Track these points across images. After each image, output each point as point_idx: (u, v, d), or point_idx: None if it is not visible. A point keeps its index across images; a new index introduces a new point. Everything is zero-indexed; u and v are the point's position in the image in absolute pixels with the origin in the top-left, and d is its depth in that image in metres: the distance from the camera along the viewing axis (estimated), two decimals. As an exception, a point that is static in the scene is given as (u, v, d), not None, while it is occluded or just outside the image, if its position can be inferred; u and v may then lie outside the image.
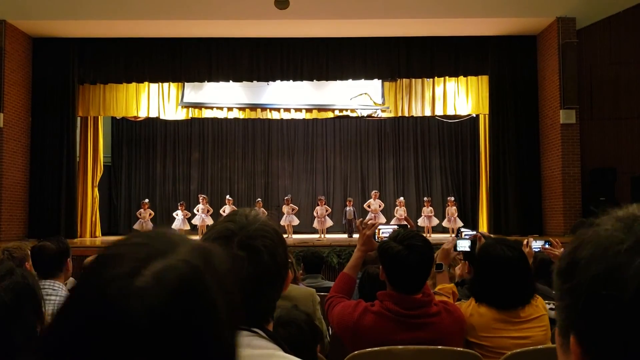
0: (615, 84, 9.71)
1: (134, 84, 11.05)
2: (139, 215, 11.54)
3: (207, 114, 11.82)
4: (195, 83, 11.26)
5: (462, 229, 4.77)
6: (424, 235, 2.75)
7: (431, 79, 11.21)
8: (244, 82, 10.99)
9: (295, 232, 12.02)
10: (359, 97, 11.52)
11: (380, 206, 11.75)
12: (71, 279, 4.16)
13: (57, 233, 6.47)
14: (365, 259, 2.57)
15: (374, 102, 11.56)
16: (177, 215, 11.54)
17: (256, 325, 1.00)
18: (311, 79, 10.90)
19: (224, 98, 11.65)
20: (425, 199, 12.28)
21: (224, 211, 11.43)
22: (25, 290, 1.13)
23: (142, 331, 0.48)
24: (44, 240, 2.87)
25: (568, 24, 9.56)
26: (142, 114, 11.44)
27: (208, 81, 10.96)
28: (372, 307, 2.05)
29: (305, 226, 12.74)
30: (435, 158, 14.48)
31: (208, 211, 11.68)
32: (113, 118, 12.98)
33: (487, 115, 11.03)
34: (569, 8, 9.53)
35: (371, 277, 2.79)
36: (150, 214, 11.57)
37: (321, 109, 11.77)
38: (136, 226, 11.49)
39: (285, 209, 11.84)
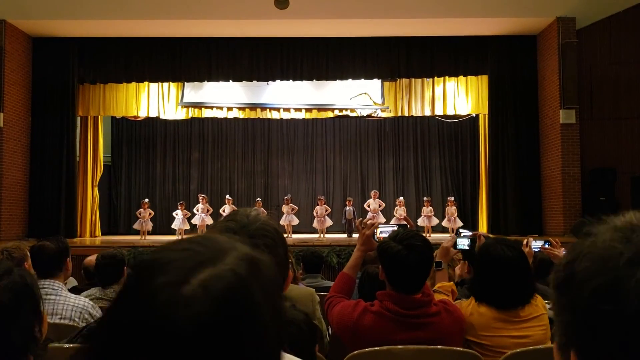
0: (615, 84, 9.71)
1: (133, 83, 11.06)
2: (138, 215, 11.53)
3: (207, 113, 11.82)
4: (195, 83, 11.27)
5: (461, 230, 4.76)
6: (424, 235, 2.74)
7: (431, 79, 11.21)
8: (243, 81, 11.01)
9: (294, 232, 12.03)
10: (358, 96, 11.52)
11: (379, 206, 11.75)
12: (71, 278, 4.17)
13: (57, 233, 6.49)
14: (364, 258, 2.57)
15: (374, 102, 11.56)
16: (177, 214, 11.53)
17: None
18: (311, 79, 10.90)
19: (223, 98, 11.66)
20: (425, 198, 12.28)
21: (223, 211, 11.44)
22: (24, 290, 1.13)
23: (187, 340, 0.48)
24: (43, 239, 2.87)
25: (568, 24, 9.56)
26: (142, 114, 11.45)
27: (208, 81, 10.97)
28: (371, 307, 2.05)
29: (305, 226, 12.74)
30: (435, 158, 14.47)
31: (208, 211, 11.68)
32: (113, 118, 12.98)
33: (486, 115, 11.03)
34: (569, 8, 9.53)
35: (371, 277, 2.79)
36: (150, 214, 11.57)
37: (321, 108, 11.77)
38: (136, 226, 11.50)
39: (285, 208, 11.84)
